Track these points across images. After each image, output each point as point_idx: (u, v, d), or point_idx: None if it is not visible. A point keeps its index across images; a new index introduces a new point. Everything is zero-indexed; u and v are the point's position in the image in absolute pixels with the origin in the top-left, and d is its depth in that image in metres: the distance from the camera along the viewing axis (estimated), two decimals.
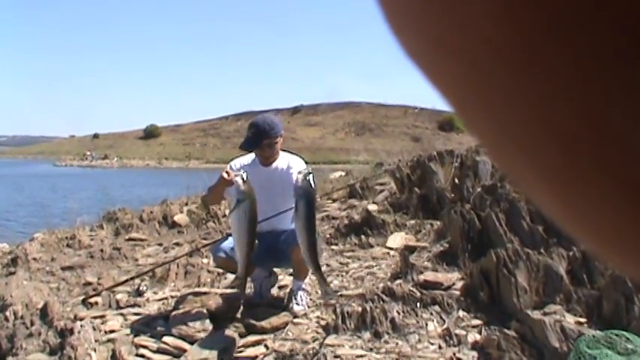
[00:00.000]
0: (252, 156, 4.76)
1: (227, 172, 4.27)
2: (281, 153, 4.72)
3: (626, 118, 0.21)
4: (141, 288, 5.27)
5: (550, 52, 0.22)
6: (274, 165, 4.65)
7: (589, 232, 0.26)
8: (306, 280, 4.78)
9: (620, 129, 0.22)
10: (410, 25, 0.26)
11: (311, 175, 3.98)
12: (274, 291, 5.06)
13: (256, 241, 4.31)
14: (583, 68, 0.22)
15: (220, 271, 5.75)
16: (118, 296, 5.03)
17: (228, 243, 4.51)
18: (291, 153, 4.86)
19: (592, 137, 0.22)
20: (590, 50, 0.21)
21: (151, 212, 8.75)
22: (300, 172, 4.01)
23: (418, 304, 4.21)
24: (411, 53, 0.27)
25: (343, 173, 12.78)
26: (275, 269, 5.02)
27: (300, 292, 4.68)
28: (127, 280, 5.07)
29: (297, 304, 4.61)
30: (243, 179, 4.07)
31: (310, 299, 4.79)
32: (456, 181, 7.58)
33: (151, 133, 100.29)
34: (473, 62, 0.24)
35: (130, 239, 7.69)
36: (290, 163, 4.64)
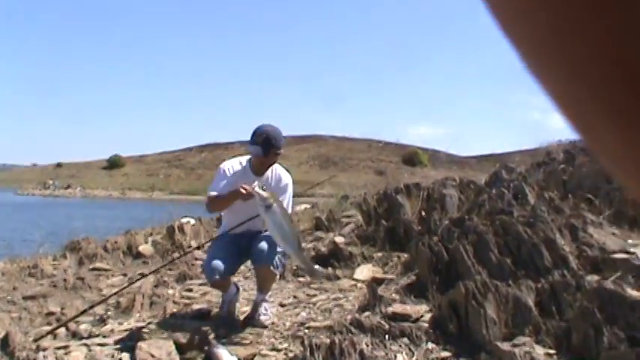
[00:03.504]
0: (242, 162, 4.91)
1: (244, 188, 4.43)
2: (272, 165, 4.94)
3: None
4: (104, 317, 5.16)
5: None
6: (265, 175, 4.84)
7: None
8: (269, 293, 5.12)
9: None
10: None
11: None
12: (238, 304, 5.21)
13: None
14: None
15: (187, 301, 5.71)
16: (82, 326, 4.91)
17: (220, 259, 4.65)
18: (281, 165, 5.06)
19: None
20: None
21: (115, 242, 8.64)
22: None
23: (387, 336, 4.15)
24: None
25: (309, 206, 12.79)
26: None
27: (265, 304, 4.95)
28: (91, 307, 4.95)
29: (263, 314, 4.89)
30: (263, 188, 4.38)
31: (277, 331, 4.75)
32: (423, 213, 7.59)
33: (114, 163, 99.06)
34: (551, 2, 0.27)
35: (94, 269, 7.55)
36: (282, 179, 4.91)
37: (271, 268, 4.70)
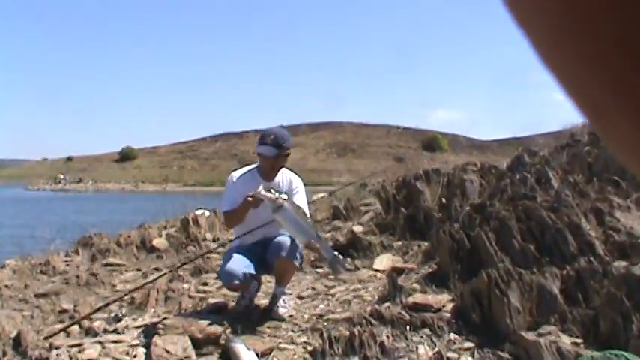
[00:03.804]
0: (251, 170, 5.02)
1: (252, 196, 4.55)
2: (282, 170, 5.00)
3: None
4: (119, 314, 5.18)
5: None
6: (276, 180, 4.92)
7: None
8: (288, 285, 5.15)
9: None
10: None
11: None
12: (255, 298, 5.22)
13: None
14: None
15: (203, 295, 5.73)
16: (96, 323, 4.92)
17: (236, 264, 4.72)
18: (289, 169, 5.14)
19: None
20: None
21: (129, 236, 8.62)
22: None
23: (408, 327, 4.17)
24: None
25: (326, 194, 12.76)
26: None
27: (284, 296, 4.99)
28: (105, 305, 4.95)
29: (282, 307, 4.92)
30: (270, 191, 4.52)
31: (296, 324, 4.78)
32: (444, 200, 7.57)
33: (126, 156, 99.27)
34: None
35: (106, 264, 7.56)
36: (292, 182, 5.00)
37: (290, 259, 4.74)
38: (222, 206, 4.96)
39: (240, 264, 4.72)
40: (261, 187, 4.52)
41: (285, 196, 4.55)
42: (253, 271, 4.79)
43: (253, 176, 4.92)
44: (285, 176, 5.00)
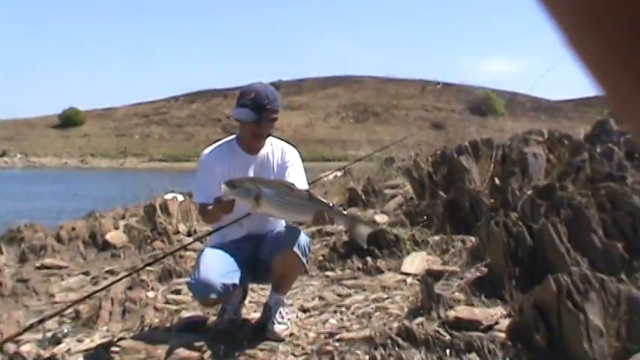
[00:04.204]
0: (229, 142, 5.06)
1: (220, 201, 4.55)
2: (269, 139, 5.04)
3: None
4: (58, 334, 5.17)
5: None
6: (262, 153, 4.97)
7: None
8: (288, 293, 5.18)
9: None
10: None
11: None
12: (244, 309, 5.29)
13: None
14: None
15: (174, 307, 5.76)
16: (25, 347, 4.91)
17: (213, 269, 4.63)
18: (279, 139, 5.18)
19: None
20: None
21: (73, 229, 8.64)
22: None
23: (448, 351, 4.17)
24: None
25: (339, 173, 12.59)
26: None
27: (282, 308, 4.95)
28: (39, 322, 4.89)
29: (279, 322, 4.89)
30: (235, 186, 4.44)
31: (298, 345, 4.78)
32: (497, 181, 7.58)
33: (69, 120, 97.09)
34: None
35: (42, 267, 7.57)
36: (284, 155, 5.03)
37: (296, 251, 4.72)
38: (195, 195, 5.03)
39: (218, 269, 4.64)
40: (223, 186, 4.47)
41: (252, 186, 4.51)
42: (237, 280, 4.73)
43: (232, 150, 4.97)
44: (275, 147, 5.04)
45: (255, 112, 4.78)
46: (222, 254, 4.78)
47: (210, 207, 4.69)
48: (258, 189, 4.44)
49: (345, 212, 5.01)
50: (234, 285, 4.70)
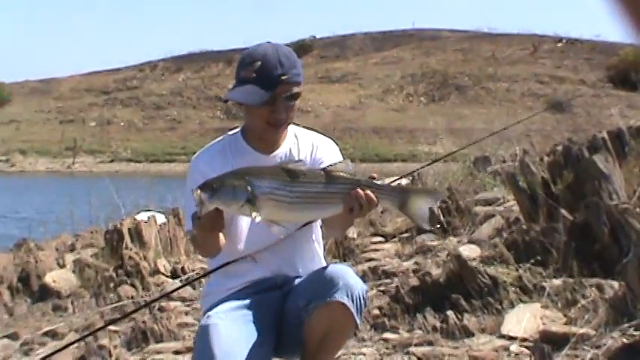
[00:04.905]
0: (232, 138, 3.88)
1: (198, 217, 3.39)
2: (292, 129, 3.85)
3: None
4: None
5: None
6: (282, 151, 3.80)
7: None
8: None
9: None
10: None
11: None
12: None
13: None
14: None
15: None
16: None
17: (231, 346, 3.39)
18: (310, 129, 4.03)
19: None
20: None
21: None
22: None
23: None
24: None
25: (405, 181, 11.26)
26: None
27: None
28: None
29: None
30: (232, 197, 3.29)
31: None
32: None
33: None
34: None
35: None
36: (316, 150, 3.84)
37: (346, 302, 3.48)
38: (185, 217, 4.16)
39: (237, 347, 3.42)
40: (198, 191, 3.29)
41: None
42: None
43: (237, 149, 3.81)
44: (302, 142, 3.87)
45: (264, 88, 3.53)
46: (241, 324, 3.55)
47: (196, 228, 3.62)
48: (249, 184, 3.31)
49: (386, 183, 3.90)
50: None
